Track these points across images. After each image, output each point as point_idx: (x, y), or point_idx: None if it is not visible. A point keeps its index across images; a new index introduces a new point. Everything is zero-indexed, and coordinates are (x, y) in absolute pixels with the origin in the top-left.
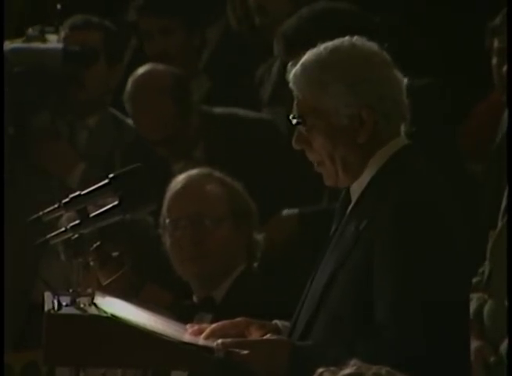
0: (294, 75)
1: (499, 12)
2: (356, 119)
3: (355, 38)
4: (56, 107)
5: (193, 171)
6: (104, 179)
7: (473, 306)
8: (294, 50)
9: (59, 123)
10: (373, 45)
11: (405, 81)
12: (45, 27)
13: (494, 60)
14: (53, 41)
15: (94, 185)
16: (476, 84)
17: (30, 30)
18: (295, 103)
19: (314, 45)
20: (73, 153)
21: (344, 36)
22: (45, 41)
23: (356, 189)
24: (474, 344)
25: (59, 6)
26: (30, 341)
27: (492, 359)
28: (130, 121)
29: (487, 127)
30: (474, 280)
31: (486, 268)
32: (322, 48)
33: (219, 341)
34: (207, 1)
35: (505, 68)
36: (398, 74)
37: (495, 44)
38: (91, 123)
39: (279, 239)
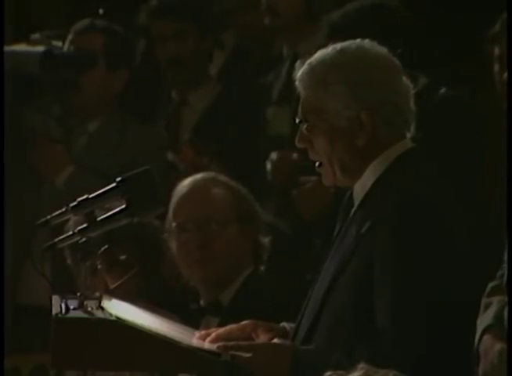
0: (301, 74)
1: (498, 18)
2: (356, 122)
3: (366, 41)
4: (48, 110)
5: (199, 175)
6: (90, 182)
7: (494, 309)
8: (337, 37)
9: (51, 125)
10: (382, 49)
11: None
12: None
13: (495, 68)
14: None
15: (80, 187)
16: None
17: (37, 35)
18: (300, 101)
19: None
20: (64, 154)
21: (385, 35)
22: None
23: (359, 192)
24: (497, 347)
25: (101, 11)
26: (20, 343)
27: None
28: (136, 126)
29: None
30: (495, 283)
31: (505, 270)
32: (330, 48)
33: (220, 343)
34: (220, 5)
35: (505, 75)
36: (405, 80)
37: (496, 51)
38: (91, 128)
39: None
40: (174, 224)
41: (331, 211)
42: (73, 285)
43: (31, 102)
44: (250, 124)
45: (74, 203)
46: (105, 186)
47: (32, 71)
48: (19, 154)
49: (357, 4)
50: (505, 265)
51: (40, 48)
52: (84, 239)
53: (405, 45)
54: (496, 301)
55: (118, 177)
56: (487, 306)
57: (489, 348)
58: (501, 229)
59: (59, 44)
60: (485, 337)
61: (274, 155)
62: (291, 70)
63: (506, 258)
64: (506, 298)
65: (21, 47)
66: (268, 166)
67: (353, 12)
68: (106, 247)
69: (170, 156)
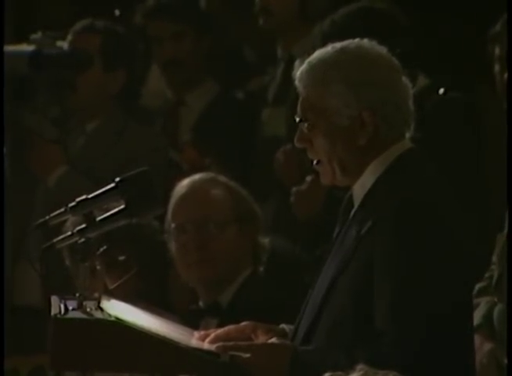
0: (300, 72)
1: (499, 19)
2: (357, 121)
3: (365, 41)
4: (43, 110)
5: (197, 176)
6: (81, 183)
7: (482, 310)
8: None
9: (45, 125)
10: (381, 49)
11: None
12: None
13: (496, 68)
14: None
15: (70, 187)
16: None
17: (37, 35)
18: (299, 100)
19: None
20: (59, 155)
21: (375, 38)
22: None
23: (359, 193)
24: (487, 347)
25: (117, 12)
26: (19, 344)
27: (505, 361)
28: (134, 127)
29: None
30: (482, 284)
31: (495, 271)
32: (330, 47)
33: (219, 344)
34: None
35: (506, 75)
36: (405, 80)
37: (497, 51)
38: (89, 128)
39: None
40: (173, 225)
41: (326, 212)
42: (68, 285)
43: (24, 102)
44: (247, 125)
45: (73, 203)
46: (99, 187)
47: (22, 71)
48: (17, 154)
49: (345, 10)
50: (493, 267)
51: (30, 48)
52: (83, 239)
53: (400, 47)
54: (485, 302)
55: (116, 178)
56: (475, 307)
57: (478, 347)
58: (501, 228)
59: (63, 44)
60: (474, 337)
61: (281, 151)
62: (286, 71)
63: (494, 259)
64: (495, 299)
65: (12, 47)
66: (276, 163)
67: (342, 18)
68: (104, 247)
69: (173, 155)
